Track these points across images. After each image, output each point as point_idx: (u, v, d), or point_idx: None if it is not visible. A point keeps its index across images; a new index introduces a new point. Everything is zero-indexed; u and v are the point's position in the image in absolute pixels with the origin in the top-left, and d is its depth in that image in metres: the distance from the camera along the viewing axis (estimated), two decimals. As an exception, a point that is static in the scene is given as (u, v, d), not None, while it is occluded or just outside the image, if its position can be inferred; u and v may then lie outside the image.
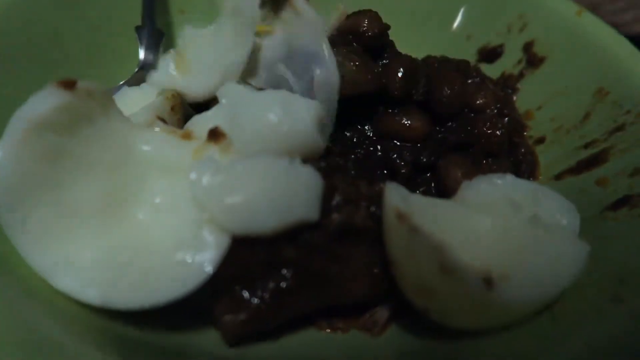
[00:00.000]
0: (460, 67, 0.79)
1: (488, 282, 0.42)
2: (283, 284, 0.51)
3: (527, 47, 0.81)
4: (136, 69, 0.75)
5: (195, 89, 0.66)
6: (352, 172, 0.63)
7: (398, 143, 0.67)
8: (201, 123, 0.59)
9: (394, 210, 0.47)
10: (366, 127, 0.69)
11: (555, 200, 0.55)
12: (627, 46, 0.69)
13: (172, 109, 0.65)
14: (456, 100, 0.69)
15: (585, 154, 0.66)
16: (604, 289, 0.45)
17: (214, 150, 0.53)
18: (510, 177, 0.58)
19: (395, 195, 0.49)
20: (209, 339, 0.52)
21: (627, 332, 0.40)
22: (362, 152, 0.67)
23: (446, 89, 0.68)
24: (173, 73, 0.69)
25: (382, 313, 0.56)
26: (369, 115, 0.68)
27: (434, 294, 0.46)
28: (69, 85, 0.47)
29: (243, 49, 0.65)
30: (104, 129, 0.51)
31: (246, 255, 0.50)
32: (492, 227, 0.49)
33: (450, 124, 0.70)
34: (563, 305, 0.46)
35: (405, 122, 0.67)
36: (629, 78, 0.65)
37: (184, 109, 0.72)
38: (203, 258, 0.47)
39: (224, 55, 0.67)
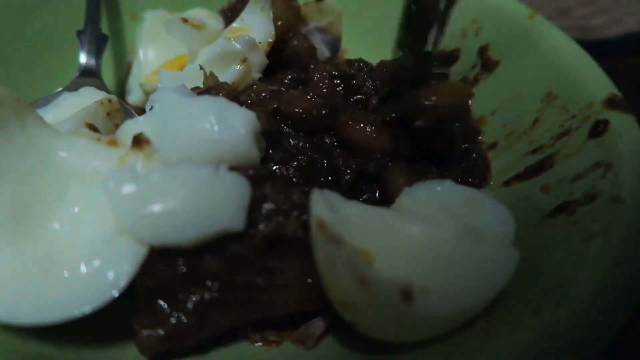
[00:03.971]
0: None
1: (407, 295, 0.41)
2: (207, 298, 0.49)
3: (482, 51, 0.80)
4: (77, 74, 0.73)
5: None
6: (294, 179, 0.62)
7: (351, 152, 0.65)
8: (131, 129, 0.57)
9: (316, 220, 0.45)
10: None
11: (492, 207, 0.53)
12: (575, 49, 0.67)
13: (108, 114, 0.63)
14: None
15: (533, 159, 0.64)
16: (529, 300, 0.44)
17: (137, 157, 0.51)
18: (449, 184, 0.56)
19: (319, 204, 0.47)
20: (132, 354, 0.50)
21: (539, 349, 0.38)
22: (305, 159, 0.65)
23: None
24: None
25: (317, 325, 0.55)
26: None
27: (356, 307, 0.44)
28: (-26, 90, 0.45)
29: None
30: (18, 136, 0.49)
31: (166, 268, 0.48)
32: (421, 237, 0.47)
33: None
34: (488, 317, 0.45)
35: (371, 133, 0.63)
36: (576, 82, 0.64)
37: (129, 114, 0.71)
38: (116, 271, 0.45)
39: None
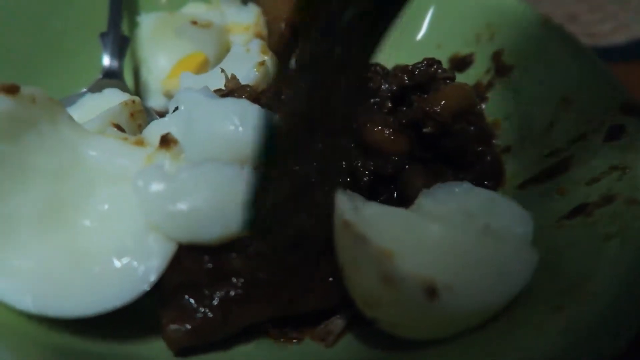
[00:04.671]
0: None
1: (431, 292, 0.42)
2: (232, 294, 0.50)
3: (496, 56, 0.81)
4: (100, 76, 0.74)
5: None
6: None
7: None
8: (157, 129, 0.58)
9: (341, 219, 0.46)
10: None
11: (511, 209, 0.54)
12: (589, 55, 0.68)
13: (132, 115, 0.65)
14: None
15: (547, 163, 0.65)
16: (549, 299, 0.45)
17: (165, 157, 0.52)
18: (467, 185, 0.57)
19: (345, 204, 0.48)
20: (156, 348, 0.51)
21: (561, 344, 0.39)
22: (324, 159, 0.66)
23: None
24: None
25: (337, 323, 0.55)
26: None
27: (379, 304, 0.45)
28: (11, 90, 0.46)
29: None
30: (50, 135, 0.50)
31: (193, 264, 0.49)
32: (442, 236, 0.48)
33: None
34: (509, 316, 0.46)
35: (389, 136, 0.63)
36: (591, 87, 0.65)
37: (150, 116, 0.72)
38: (146, 266, 0.47)
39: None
